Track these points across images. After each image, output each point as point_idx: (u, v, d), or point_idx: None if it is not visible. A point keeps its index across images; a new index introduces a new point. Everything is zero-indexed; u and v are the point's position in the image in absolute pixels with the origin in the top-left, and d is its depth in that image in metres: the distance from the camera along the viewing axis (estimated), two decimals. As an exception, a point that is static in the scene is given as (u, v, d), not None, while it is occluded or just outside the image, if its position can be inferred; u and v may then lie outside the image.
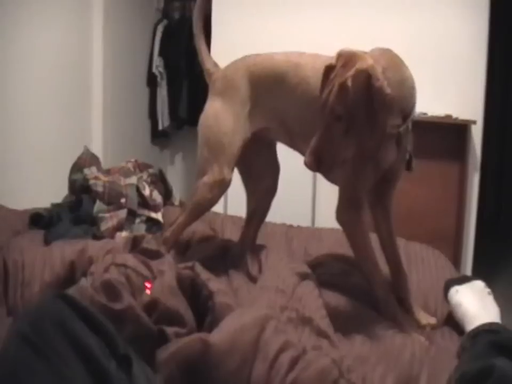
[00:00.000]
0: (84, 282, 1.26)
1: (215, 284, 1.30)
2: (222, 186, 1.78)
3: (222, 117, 1.78)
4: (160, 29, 4.53)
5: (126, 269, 1.31)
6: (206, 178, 1.77)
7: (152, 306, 1.21)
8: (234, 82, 1.78)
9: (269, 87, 1.73)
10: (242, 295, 1.55)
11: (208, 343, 1.09)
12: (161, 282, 1.27)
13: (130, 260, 1.36)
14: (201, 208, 1.84)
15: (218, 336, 1.12)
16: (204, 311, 1.26)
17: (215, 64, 1.90)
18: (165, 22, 4.58)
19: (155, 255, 1.49)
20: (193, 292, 1.29)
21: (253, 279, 1.71)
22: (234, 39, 3.41)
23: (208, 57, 1.90)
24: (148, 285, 1.29)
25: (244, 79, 1.76)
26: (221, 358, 1.08)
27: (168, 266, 1.40)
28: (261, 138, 1.84)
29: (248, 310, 1.29)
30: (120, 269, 1.29)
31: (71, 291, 1.21)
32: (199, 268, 1.32)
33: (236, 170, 1.91)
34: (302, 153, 1.74)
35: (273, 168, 1.99)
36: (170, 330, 1.17)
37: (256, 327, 1.15)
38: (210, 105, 1.84)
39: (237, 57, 1.87)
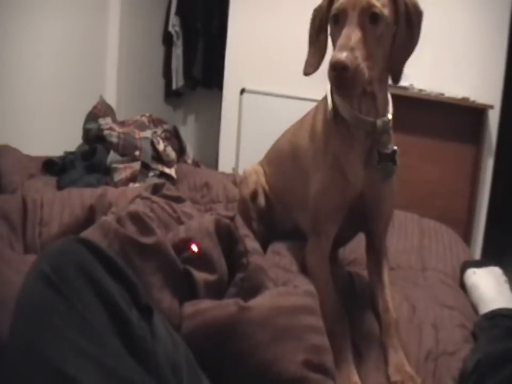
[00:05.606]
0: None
1: (251, 242, 1.20)
2: None
3: None
4: (178, -13, 4.44)
5: (152, 203, 1.23)
6: None
7: (183, 245, 1.11)
8: None
9: None
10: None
11: (244, 308, 1.02)
12: (199, 223, 1.17)
13: (155, 197, 1.30)
14: None
15: (255, 306, 1.04)
16: (236, 267, 1.16)
17: None
18: (183, -19, 4.48)
19: (176, 200, 1.42)
20: (230, 243, 1.18)
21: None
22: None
23: None
24: None
25: None
26: (253, 329, 1.00)
27: (191, 209, 1.33)
28: None
29: (289, 290, 1.18)
30: (146, 202, 1.22)
31: (93, 227, 1.14)
32: (239, 221, 1.23)
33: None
34: None
35: None
36: (199, 275, 1.10)
37: (293, 314, 1.06)
38: None
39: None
